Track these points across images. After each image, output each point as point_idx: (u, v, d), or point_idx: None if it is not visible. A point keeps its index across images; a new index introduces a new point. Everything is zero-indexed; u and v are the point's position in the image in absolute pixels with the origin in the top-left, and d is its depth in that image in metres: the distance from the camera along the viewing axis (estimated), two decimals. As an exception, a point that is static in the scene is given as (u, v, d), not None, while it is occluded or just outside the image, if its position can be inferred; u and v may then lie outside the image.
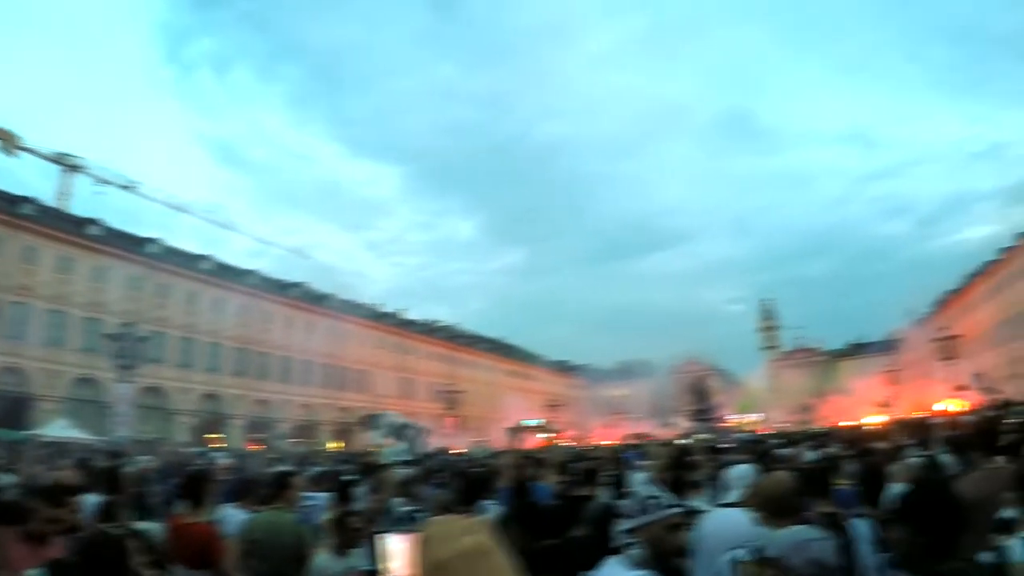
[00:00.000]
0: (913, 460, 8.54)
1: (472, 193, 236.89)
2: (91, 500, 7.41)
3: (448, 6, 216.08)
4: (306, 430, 72.90)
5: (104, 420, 47.37)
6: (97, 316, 55.96)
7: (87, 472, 12.48)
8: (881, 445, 12.15)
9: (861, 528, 4.77)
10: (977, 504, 4.89)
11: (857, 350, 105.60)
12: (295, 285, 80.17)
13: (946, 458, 8.20)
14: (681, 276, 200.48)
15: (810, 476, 5.39)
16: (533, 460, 13.49)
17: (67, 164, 69.14)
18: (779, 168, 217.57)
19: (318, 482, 11.12)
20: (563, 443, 53.52)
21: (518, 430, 67.38)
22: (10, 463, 21.83)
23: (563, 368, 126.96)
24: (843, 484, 6.82)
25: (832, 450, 14.15)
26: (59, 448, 32.92)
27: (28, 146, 66.35)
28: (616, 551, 3.89)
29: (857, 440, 15.53)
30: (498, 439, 61.84)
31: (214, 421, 64.72)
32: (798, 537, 3.64)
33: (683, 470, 8.35)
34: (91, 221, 61.11)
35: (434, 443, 50.69)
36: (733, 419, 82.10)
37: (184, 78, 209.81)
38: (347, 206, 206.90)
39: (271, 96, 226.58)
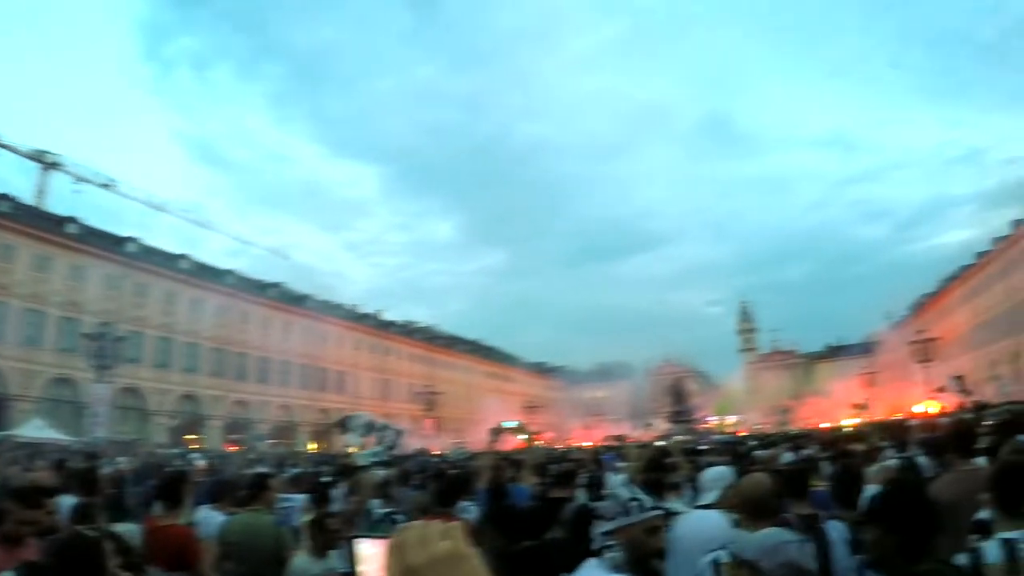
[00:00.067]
0: (890, 462, 8.61)
1: (452, 194, 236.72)
2: (67, 502, 7.35)
3: (429, 7, 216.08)
4: (285, 431, 72.73)
5: (81, 421, 47.16)
6: (74, 315, 55.49)
7: (63, 473, 12.41)
8: (858, 447, 12.21)
9: (837, 530, 4.80)
10: (952, 506, 4.92)
11: (835, 352, 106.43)
12: (274, 285, 79.82)
13: (923, 460, 8.26)
14: (660, 278, 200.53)
15: (787, 478, 5.42)
16: (511, 462, 13.50)
17: (45, 162, 68.61)
18: (759, 171, 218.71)
19: (295, 484, 11.11)
20: (541, 444, 53.57)
21: (497, 432, 67.44)
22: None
23: (542, 370, 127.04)
24: (820, 486, 6.85)
25: (809, 452, 14.23)
26: (35, 449, 32.65)
27: (6, 143, 65.77)
28: (596, 553, 3.90)
29: (834, 442, 15.59)
30: (477, 441, 61.85)
31: (192, 422, 64.43)
32: (771, 539, 3.65)
33: (661, 472, 8.37)
34: (69, 219, 60.54)
35: (413, 445, 50.64)
36: (713, 421, 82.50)
37: (164, 76, 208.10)
38: (326, 206, 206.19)
39: (251, 95, 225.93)
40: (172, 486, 6.62)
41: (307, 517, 7.34)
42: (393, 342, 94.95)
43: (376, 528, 7.33)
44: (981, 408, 30.91)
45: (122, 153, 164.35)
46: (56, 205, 64.61)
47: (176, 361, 65.61)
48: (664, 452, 12.74)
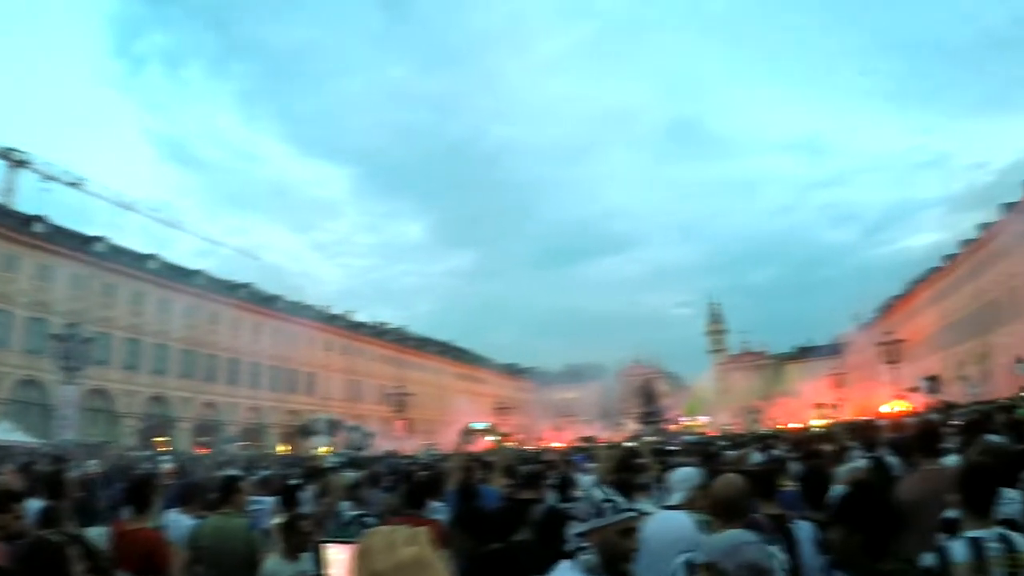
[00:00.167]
0: (859, 462, 8.66)
1: (421, 195, 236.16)
2: (34, 505, 7.28)
3: (401, 8, 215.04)
4: (254, 433, 72.26)
5: (48, 423, 46.78)
6: (41, 316, 54.84)
7: (30, 476, 12.29)
8: (827, 447, 12.29)
9: (805, 530, 4.83)
10: (918, 505, 4.97)
11: (804, 354, 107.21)
12: (243, 286, 79.31)
13: (892, 460, 8.32)
14: (629, 280, 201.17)
15: (756, 478, 5.44)
16: (481, 463, 13.49)
17: (12, 159, 67.60)
18: (727, 175, 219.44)
19: (265, 486, 11.06)
20: (510, 445, 53.58)
21: (467, 433, 67.40)
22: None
23: (512, 371, 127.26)
24: (789, 486, 6.89)
25: (778, 452, 14.31)
26: (2, 452, 32.29)
27: (-29, 142, 65.08)
28: (569, 555, 3.91)
29: (803, 442, 15.69)
30: (448, 442, 61.84)
31: (161, 424, 63.95)
32: (731, 541, 3.67)
33: (630, 472, 8.40)
34: (36, 218, 59.59)
35: (383, 446, 50.54)
36: (685, 421, 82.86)
37: (134, 73, 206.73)
38: (296, 206, 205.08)
39: (221, 94, 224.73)
40: (140, 489, 6.57)
41: (276, 520, 7.31)
42: (363, 343, 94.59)
43: (346, 530, 7.32)
44: (949, 408, 31.20)
45: (91, 151, 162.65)
46: (24, 204, 63.88)
47: (145, 363, 65.05)
48: (633, 453, 12.77)
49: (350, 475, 12.32)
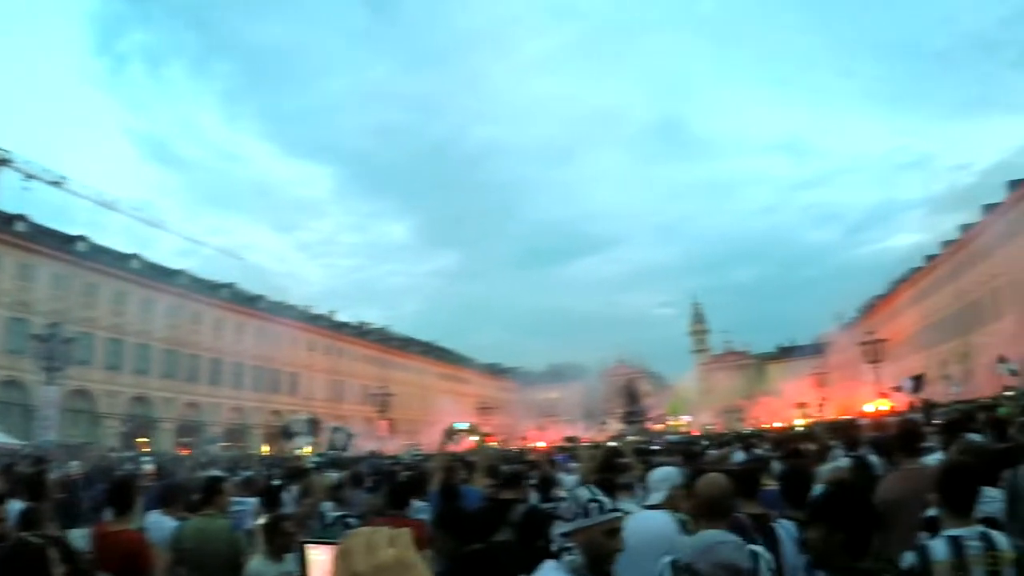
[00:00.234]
0: (842, 461, 8.70)
1: (405, 195, 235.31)
2: (15, 507, 7.24)
3: (385, 7, 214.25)
4: (237, 434, 71.97)
5: (29, 424, 46.42)
6: (23, 316, 54.51)
7: (11, 478, 12.22)
8: (808, 446, 12.33)
9: (787, 529, 4.85)
10: (899, 504, 5.00)
11: (786, 353, 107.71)
12: (226, 286, 78.90)
13: (874, 459, 8.37)
14: (612, 280, 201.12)
15: (739, 477, 5.45)
16: (464, 463, 13.48)
17: (-7, 158, 67.40)
18: (710, 175, 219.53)
19: (247, 487, 11.03)
20: (492, 445, 53.56)
21: (450, 433, 67.33)
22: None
23: (495, 371, 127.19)
24: (771, 485, 6.91)
25: (760, 451, 14.36)
26: (-19, 453, 32.17)
27: (-50, 140, 64.57)
28: (554, 555, 3.91)
29: (785, 441, 15.74)
30: (431, 442, 61.76)
31: (143, 425, 63.65)
32: (707, 540, 3.68)
33: (613, 472, 8.40)
34: (17, 217, 59.10)
35: (366, 446, 50.42)
36: (669, 421, 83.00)
37: (116, 71, 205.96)
38: (278, 206, 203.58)
39: (203, 93, 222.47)
40: (122, 491, 6.54)
41: (259, 520, 7.29)
42: (346, 343, 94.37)
43: (329, 531, 7.30)
44: (930, 407, 31.32)
45: (72, 150, 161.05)
46: (4, 203, 63.37)
47: (127, 363, 64.73)
48: (616, 452, 12.77)
49: (332, 475, 12.30)
